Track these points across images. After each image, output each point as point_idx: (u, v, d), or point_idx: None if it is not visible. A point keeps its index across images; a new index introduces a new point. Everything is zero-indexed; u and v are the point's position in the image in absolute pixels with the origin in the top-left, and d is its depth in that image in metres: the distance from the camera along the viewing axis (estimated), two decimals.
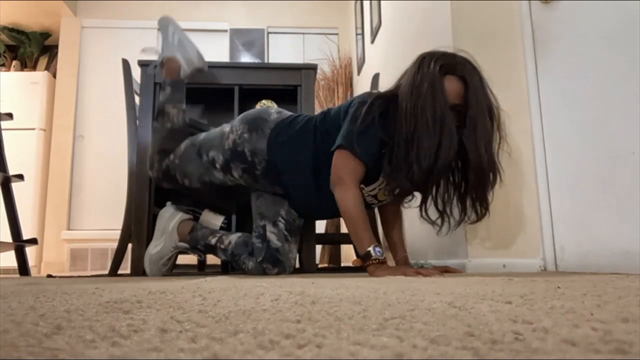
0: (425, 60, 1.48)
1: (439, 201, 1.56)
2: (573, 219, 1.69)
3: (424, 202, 1.60)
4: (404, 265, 1.68)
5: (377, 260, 1.40)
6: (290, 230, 1.71)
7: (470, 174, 1.47)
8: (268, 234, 1.68)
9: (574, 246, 1.69)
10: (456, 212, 1.57)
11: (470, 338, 0.35)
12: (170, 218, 1.84)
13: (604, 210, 1.55)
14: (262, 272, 1.67)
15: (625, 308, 0.50)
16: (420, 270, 1.37)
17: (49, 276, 1.98)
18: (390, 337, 0.36)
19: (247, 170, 1.70)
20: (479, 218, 1.54)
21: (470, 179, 1.49)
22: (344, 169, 1.50)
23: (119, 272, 2.23)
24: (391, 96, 1.52)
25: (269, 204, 1.72)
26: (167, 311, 0.54)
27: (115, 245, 2.19)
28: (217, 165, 1.73)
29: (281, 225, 1.70)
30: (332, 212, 1.71)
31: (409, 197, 1.71)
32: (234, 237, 1.75)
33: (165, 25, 1.97)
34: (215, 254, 1.80)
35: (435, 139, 1.40)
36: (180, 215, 1.84)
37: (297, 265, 2.09)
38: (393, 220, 1.76)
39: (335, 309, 0.54)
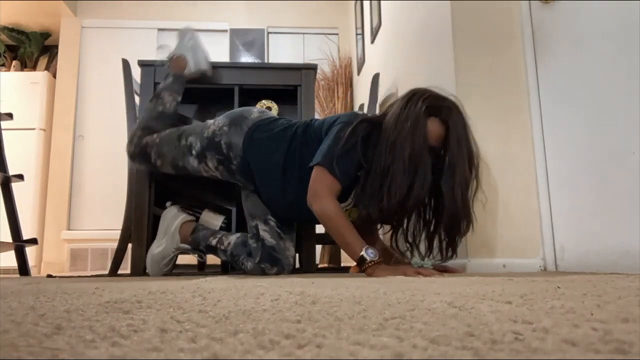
0: (415, 97, 1.51)
1: (409, 234, 1.60)
2: (573, 218, 1.69)
3: (394, 232, 1.63)
4: (402, 264, 1.68)
5: (373, 262, 1.41)
6: (282, 227, 1.71)
7: (445, 217, 1.51)
8: (261, 232, 1.69)
9: (574, 246, 1.69)
10: (424, 247, 1.61)
11: (470, 338, 0.35)
12: (173, 219, 1.85)
13: (604, 210, 1.55)
14: (261, 272, 1.67)
15: (625, 308, 0.50)
16: (421, 270, 1.37)
17: (49, 276, 1.98)
18: (390, 337, 0.36)
19: (222, 162, 1.73)
20: (444, 259, 1.56)
21: (442, 221, 1.52)
22: (320, 185, 1.51)
23: (119, 272, 2.22)
24: (377, 122, 1.55)
25: (257, 203, 1.74)
26: (167, 311, 0.54)
27: (115, 245, 2.19)
28: (193, 152, 1.76)
29: (272, 223, 1.71)
30: (293, 217, 1.74)
31: (378, 226, 1.74)
32: (233, 238, 1.76)
33: (184, 32, 2.10)
34: (216, 254, 1.81)
35: (409, 177, 1.44)
36: (183, 217, 1.86)
37: (297, 265, 2.09)
38: (370, 235, 1.76)
39: (335, 309, 0.54)
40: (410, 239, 1.61)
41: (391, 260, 1.72)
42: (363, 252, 1.41)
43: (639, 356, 0.29)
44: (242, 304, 0.60)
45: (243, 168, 1.71)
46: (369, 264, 1.40)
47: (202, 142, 1.75)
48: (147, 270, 1.88)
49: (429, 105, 1.49)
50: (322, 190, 1.51)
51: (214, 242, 1.77)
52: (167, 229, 1.85)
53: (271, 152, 1.67)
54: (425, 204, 1.58)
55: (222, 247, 1.75)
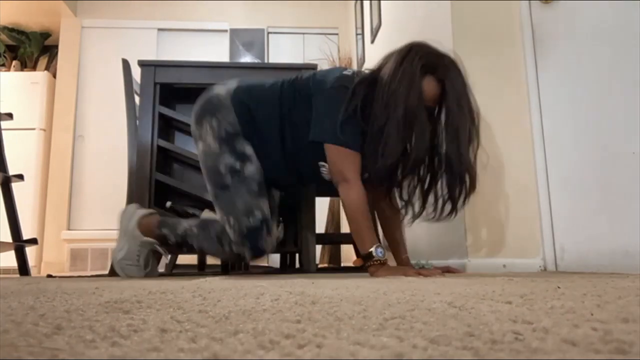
0: (411, 54, 1.47)
1: (404, 192, 1.58)
2: (573, 219, 1.69)
3: (389, 191, 1.61)
4: (405, 265, 1.68)
5: (379, 261, 1.40)
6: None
7: (451, 177, 1.48)
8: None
9: (574, 246, 1.69)
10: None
11: (470, 338, 0.35)
12: (130, 217, 1.73)
13: (604, 210, 1.55)
14: (236, 255, 1.63)
15: (625, 308, 0.50)
16: (421, 271, 1.37)
17: (49, 276, 1.98)
18: (390, 337, 0.36)
19: (246, 136, 1.64)
20: (439, 218, 1.52)
21: (448, 181, 1.49)
22: (343, 165, 1.49)
23: None
24: (372, 80, 1.50)
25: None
26: (167, 311, 0.54)
27: (115, 245, 2.18)
28: (237, 166, 1.61)
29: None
30: (294, 177, 1.69)
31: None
32: (194, 225, 1.68)
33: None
34: (188, 246, 1.70)
35: (403, 138, 1.42)
36: (140, 212, 1.73)
37: (297, 265, 2.09)
38: (394, 221, 1.75)
39: (335, 309, 0.54)
40: (405, 198, 1.58)
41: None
42: (372, 249, 1.41)
43: (639, 356, 0.29)
44: (242, 304, 0.60)
45: (246, 136, 1.64)
46: (374, 262, 1.40)
47: (225, 151, 1.61)
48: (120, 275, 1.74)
49: (425, 63, 1.45)
50: (347, 171, 1.48)
51: (180, 233, 1.67)
52: (125, 229, 1.72)
53: (265, 113, 1.61)
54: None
55: (190, 233, 1.66)
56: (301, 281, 1.12)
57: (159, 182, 2.06)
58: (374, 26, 3.58)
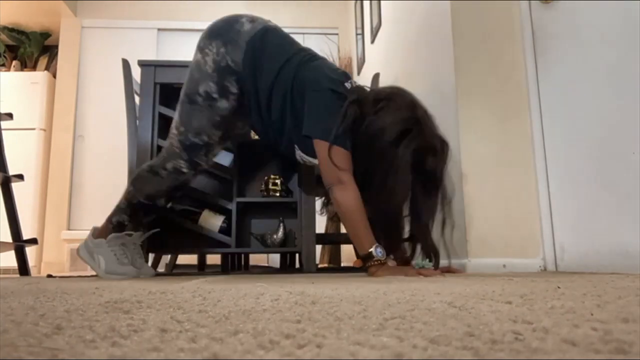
0: (406, 140, 1.47)
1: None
2: (573, 218, 1.69)
3: None
4: (406, 265, 1.68)
5: (379, 261, 1.40)
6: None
7: (415, 243, 1.60)
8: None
9: (574, 246, 1.69)
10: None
11: (470, 338, 0.35)
12: (85, 243, 1.73)
13: (604, 210, 1.55)
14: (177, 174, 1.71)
15: (625, 308, 0.50)
16: (422, 271, 1.37)
17: (49, 276, 1.98)
18: (390, 337, 0.36)
19: (239, 80, 1.66)
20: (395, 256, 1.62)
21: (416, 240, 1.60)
22: (339, 164, 1.48)
23: None
24: (364, 112, 1.52)
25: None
26: (167, 311, 0.54)
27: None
28: (215, 96, 1.65)
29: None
30: (272, 137, 1.72)
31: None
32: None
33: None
34: (136, 209, 1.76)
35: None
36: (87, 236, 1.75)
37: (297, 265, 2.09)
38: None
39: (335, 309, 0.54)
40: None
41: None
42: (372, 249, 1.41)
43: (639, 356, 0.29)
44: (242, 304, 0.60)
45: (241, 78, 1.66)
46: (375, 262, 1.40)
47: (214, 78, 1.64)
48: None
49: (416, 148, 1.48)
50: (342, 173, 1.48)
51: (125, 207, 1.75)
52: (89, 252, 1.71)
53: (265, 71, 1.63)
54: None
55: (130, 195, 1.75)
56: (301, 281, 1.12)
57: None
58: (374, 26, 3.58)
